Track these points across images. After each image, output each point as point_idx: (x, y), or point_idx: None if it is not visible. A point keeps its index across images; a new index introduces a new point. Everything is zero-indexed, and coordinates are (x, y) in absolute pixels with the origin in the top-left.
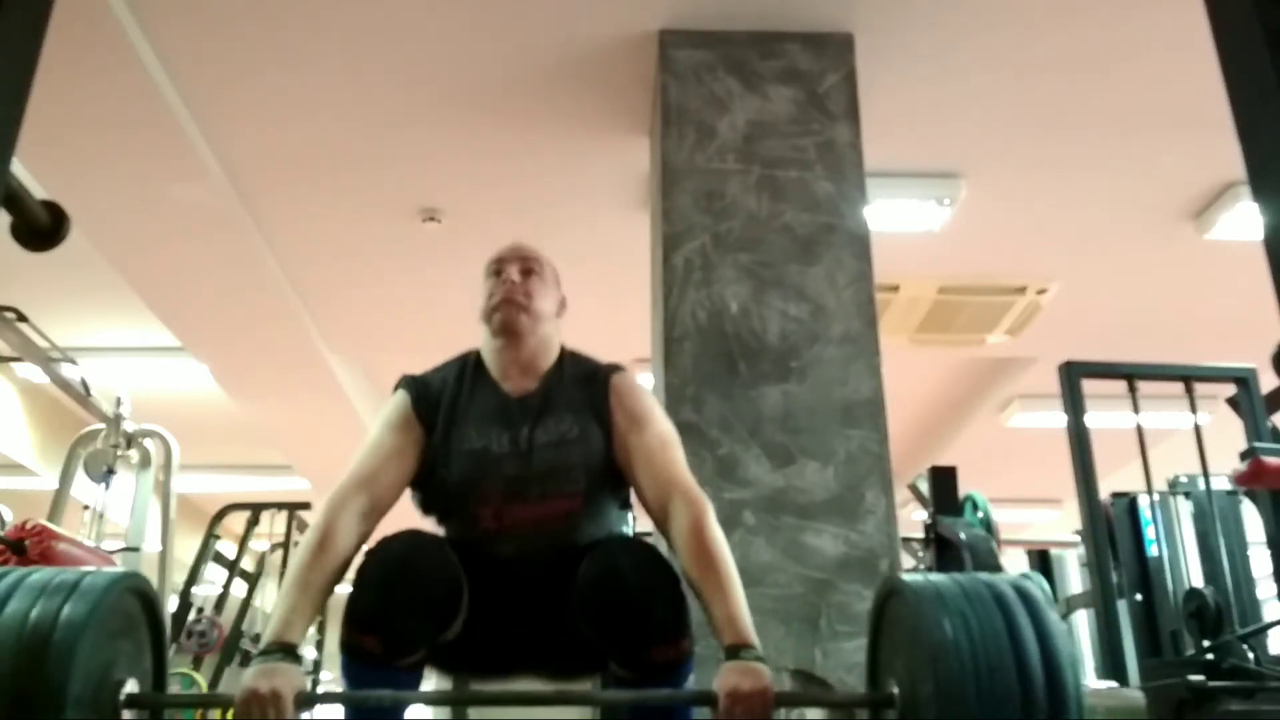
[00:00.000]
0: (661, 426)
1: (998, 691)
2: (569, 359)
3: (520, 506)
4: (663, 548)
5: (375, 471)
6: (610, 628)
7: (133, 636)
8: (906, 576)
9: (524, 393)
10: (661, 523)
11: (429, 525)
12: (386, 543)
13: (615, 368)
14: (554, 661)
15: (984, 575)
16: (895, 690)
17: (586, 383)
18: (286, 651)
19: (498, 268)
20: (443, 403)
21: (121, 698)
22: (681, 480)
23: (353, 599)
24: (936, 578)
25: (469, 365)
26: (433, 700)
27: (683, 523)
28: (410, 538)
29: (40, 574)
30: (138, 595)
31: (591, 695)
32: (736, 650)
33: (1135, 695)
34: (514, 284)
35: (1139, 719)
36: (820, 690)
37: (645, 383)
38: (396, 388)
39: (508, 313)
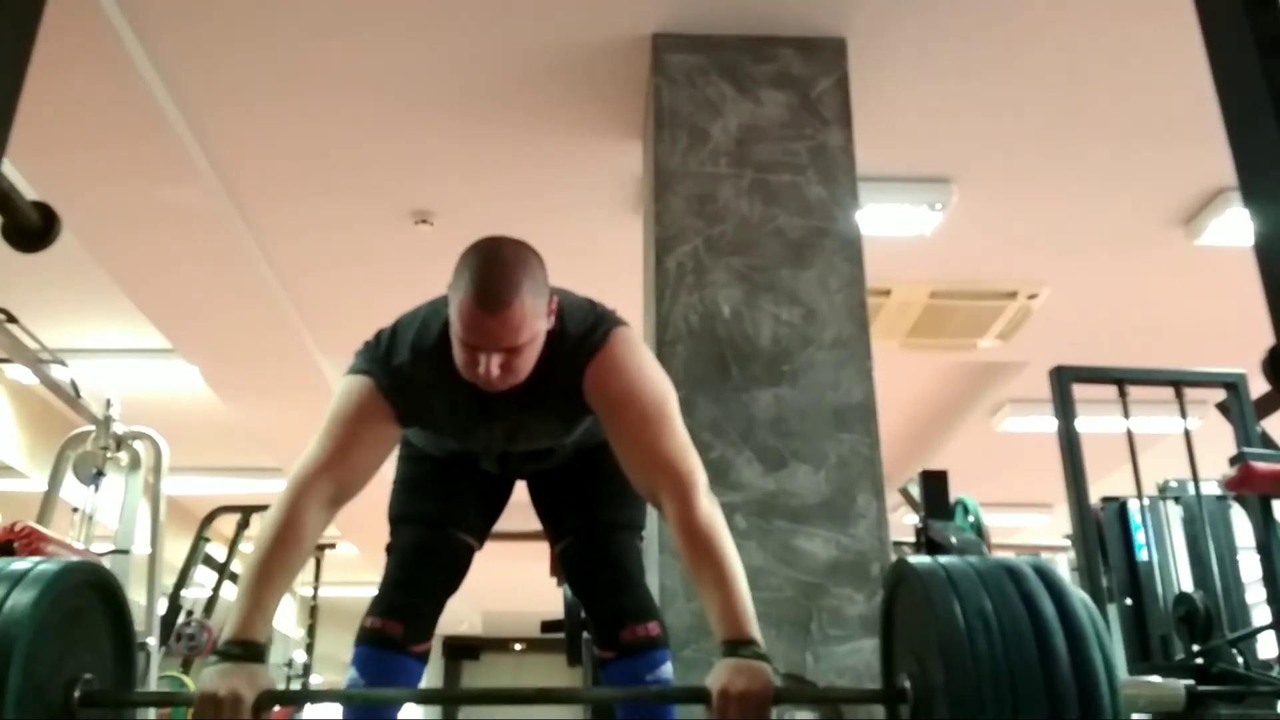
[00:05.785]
0: (642, 403)
1: (1019, 683)
2: (555, 354)
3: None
4: None
5: (343, 459)
6: (591, 609)
7: (90, 631)
8: (914, 560)
9: (504, 393)
10: (654, 505)
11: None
12: (411, 542)
13: (593, 351)
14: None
15: (1000, 556)
16: (908, 684)
17: (568, 376)
18: (248, 648)
19: (469, 352)
20: (415, 402)
21: (77, 695)
22: (665, 463)
23: (383, 591)
24: (948, 560)
25: (439, 358)
26: (417, 699)
27: (670, 513)
28: (431, 538)
29: None
30: (96, 588)
31: (579, 693)
32: (734, 647)
33: (1176, 685)
34: (492, 377)
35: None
36: (824, 688)
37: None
38: (356, 370)
39: (487, 390)
